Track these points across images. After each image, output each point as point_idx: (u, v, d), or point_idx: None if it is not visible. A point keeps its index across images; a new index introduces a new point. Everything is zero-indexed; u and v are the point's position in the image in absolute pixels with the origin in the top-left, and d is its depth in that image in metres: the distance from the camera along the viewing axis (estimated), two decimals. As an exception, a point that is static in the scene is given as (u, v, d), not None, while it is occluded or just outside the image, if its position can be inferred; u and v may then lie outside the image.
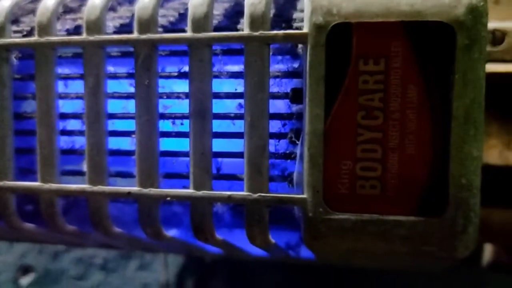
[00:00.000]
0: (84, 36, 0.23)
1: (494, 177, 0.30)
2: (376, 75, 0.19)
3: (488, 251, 0.37)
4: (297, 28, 0.21)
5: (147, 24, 0.22)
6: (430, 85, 0.19)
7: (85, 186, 0.23)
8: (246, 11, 0.21)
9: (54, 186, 0.24)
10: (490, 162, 0.30)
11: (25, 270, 0.46)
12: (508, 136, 0.30)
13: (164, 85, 0.23)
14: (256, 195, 0.21)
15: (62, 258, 0.45)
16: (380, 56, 0.19)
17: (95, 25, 0.23)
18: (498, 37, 0.30)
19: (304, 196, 0.21)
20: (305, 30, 0.20)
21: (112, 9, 0.26)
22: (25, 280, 0.46)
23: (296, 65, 0.22)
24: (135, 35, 0.22)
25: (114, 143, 0.24)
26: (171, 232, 0.26)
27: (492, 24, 0.30)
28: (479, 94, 0.19)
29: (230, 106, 0.23)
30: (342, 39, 0.19)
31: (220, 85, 0.23)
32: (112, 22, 0.25)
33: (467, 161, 0.19)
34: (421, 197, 0.19)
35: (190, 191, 0.22)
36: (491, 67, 0.30)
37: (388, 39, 0.19)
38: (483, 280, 0.41)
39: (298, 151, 0.21)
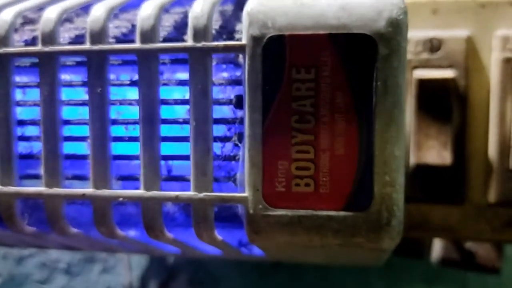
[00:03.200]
0: (39, 47, 0.24)
1: (433, 175, 0.32)
2: (307, 82, 0.21)
3: (437, 246, 0.39)
4: (238, 39, 0.23)
5: (99, 35, 0.23)
6: (356, 91, 0.21)
7: (42, 189, 0.24)
8: (190, 24, 0.22)
9: (12, 189, 0.25)
10: (429, 161, 0.32)
11: (-10, 275, 0.46)
12: (445, 137, 0.31)
13: (117, 93, 0.25)
14: (201, 195, 0.23)
15: (26, 262, 0.46)
16: (311, 65, 0.21)
17: (50, 37, 0.24)
18: (435, 45, 0.32)
19: (246, 194, 0.22)
20: (244, 41, 0.22)
21: (69, 20, 0.28)
22: (-10, 285, 0.46)
23: (238, 73, 0.23)
24: (87, 45, 0.23)
25: (71, 147, 0.25)
26: (130, 233, 0.27)
27: (430, 33, 0.32)
28: (399, 99, 0.21)
29: (180, 111, 0.25)
30: (277, 50, 0.21)
31: (171, 92, 0.24)
32: (68, 33, 0.26)
33: (390, 160, 0.21)
34: (350, 193, 0.21)
35: (140, 191, 0.23)
36: (429, 74, 0.32)
37: (317, 50, 0.21)
38: (435, 273, 0.43)
39: (241, 153, 0.23)
